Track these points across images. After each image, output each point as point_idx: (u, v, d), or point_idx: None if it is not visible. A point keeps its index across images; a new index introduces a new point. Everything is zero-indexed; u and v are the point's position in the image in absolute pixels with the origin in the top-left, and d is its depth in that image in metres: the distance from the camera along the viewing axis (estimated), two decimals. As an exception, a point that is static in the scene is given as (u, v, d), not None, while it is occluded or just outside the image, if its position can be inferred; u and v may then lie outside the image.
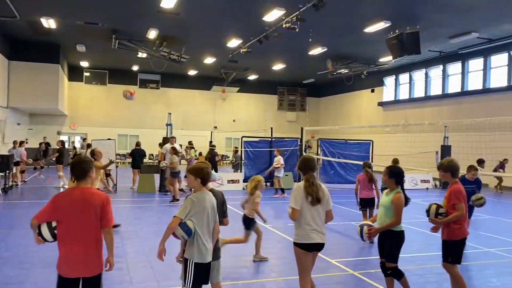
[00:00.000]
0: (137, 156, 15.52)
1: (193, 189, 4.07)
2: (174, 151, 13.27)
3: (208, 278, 3.98)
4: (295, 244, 4.27)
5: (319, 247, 4.28)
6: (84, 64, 26.97)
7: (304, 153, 14.21)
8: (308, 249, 4.24)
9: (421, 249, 7.65)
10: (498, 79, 19.30)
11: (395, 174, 4.87)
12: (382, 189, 6.53)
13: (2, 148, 17.95)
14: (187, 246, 3.87)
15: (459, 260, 4.77)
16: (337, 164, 16.57)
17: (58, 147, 16.05)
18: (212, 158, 18.36)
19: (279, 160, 14.39)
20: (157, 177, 14.88)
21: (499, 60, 19.28)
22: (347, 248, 4.96)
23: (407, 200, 4.87)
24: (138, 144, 16.07)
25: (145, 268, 6.15)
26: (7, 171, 13.81)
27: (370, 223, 5.01)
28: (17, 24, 17.30)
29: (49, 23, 16.98)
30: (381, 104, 26.72)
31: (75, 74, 28.05)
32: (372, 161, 17.09)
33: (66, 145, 22.90)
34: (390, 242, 4.79)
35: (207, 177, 4.02)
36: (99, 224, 3.47)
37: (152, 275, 5.85)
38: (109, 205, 3.54)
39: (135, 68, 27.51)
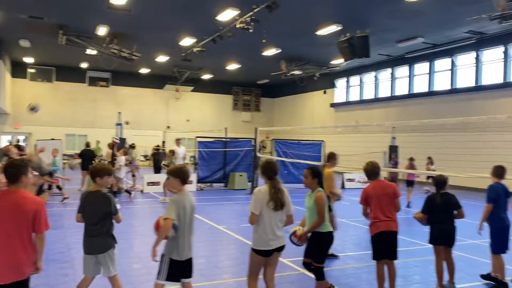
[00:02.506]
0: (86, 157, 14.96)
1: (173, 190, 4.31)
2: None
3: (187, 273, 4.21)
4: (253, 250, 4.26)
5: (279, 249, 4.30)
6: (29, 60, 25.61)
7: (258, 153, 14.27)
8: (266, 255, 4.25)
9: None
10: (442, 83, 20.29)
11: (318, 175, 4.96)
12: None
13: None
14: (167, 243, 4.09)
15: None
16: (290, 164, 16.78)
17: None
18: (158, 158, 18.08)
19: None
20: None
21: (442, 64, 20.28)
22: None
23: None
24: (87, 144, 15.49)
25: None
26: None
27: (300, 227, 5.02)
28: (-47, 15, 16.16)
29: (-11, 16, 16.00)
30: (333, 105, 27.36)
31: (18, 70, 26.58)
32: (323, 161, 17.45)
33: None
34: (316, 242, 4.87)
35: (187, 178, 4.19)
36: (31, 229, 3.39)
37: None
38: (43, 211, 3.44)
39: (84, 65, 26.46)
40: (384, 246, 5.10)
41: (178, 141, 15.01)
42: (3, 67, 21.81)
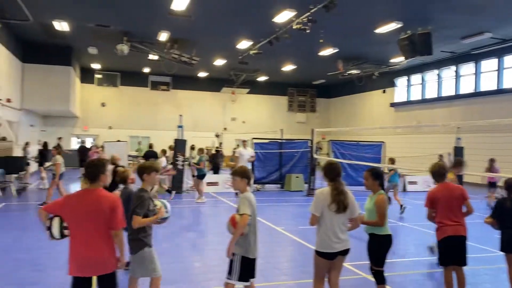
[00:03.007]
0: (150, 158, 15.60)
1: (238, 190, 4.32)
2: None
3: (254, 273, 4.22)
4: (317, 252, 4.24)
5: (344, 252, 4.25)
6: (96, 66, 27.20)
7: (315, 155, 14.14)
8: (330, 258, 4.22)
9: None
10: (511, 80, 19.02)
11: (379, 176, 4.83)
12: None
13: (16, 150, 18.14)
14: (238, 242, 4.09)
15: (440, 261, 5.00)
16: (348, 166, 16.46)
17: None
18: (216, 160, 18.42)
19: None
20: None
21: (513, 60, 19.02)
22: (360, 251, 4.92)
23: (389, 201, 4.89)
24: (150, 146, 16.16)
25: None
26: (20, 172, 14.02)
27: None
28: (30, 27, 17.48)
29: (61, 25, 17.16)
30: (392, 105, 26.52)
31: (87, 76, 28.30)
32: (384, 163, 16.98)
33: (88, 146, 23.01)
34: (375, 246, 4.74)
35: (251, 178, 4.32)
36: (108, 226, 3.56)
37: (165, 276, 5.85)
38: (119, 208, 3.61)
39: (146, 70, 27.67)
40: (451, 251, 4.88)
41: (244, 143, 15.06)
42: (74, 73, 23.29)
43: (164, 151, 14.70)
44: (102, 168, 3.68)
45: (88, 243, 3.48)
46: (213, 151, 21.35)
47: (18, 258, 6.56)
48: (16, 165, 13.63)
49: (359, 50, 20.67)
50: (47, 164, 13.07)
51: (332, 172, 4.31)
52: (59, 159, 11.28)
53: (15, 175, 13.92)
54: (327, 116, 33.84)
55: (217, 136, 25.17)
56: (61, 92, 21.91)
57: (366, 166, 15.48)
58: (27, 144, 16.36)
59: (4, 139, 14.95)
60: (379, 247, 4.75)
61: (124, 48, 15.18)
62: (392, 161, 12.57)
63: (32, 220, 9.65)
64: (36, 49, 21.28)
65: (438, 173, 5.12)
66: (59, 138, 23.14)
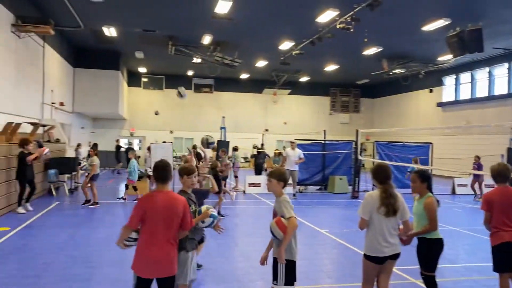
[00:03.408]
0: (194, 158, 15.90)
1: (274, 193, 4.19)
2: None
3: (296, 276, 4.13)
4: (365, 255, 4.17)
5: (394, 256, 4.15)
6: (142, 70, 28.08)
7: (359, 156, 13.88)
8: (379, 262, 4.13)
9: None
10: None
11: (428, 178, 4.65)
12: None
13: (69, 151, 19.04)
14: (285, 244, 3.98)
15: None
16: (394, 168, 16.02)
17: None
18: (258, 161, 18.50)
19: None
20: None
21: None
22: (408, 255, 4.78)
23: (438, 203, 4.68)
24: (194, 147, 16.46)
25: (202, 270, 6.26)
26: (73, 172, 14.68)
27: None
28: (81, 33, 18.32)
29: (110, 31, 17.86)
30: (440, 104, 25.58)
31: (134, 79, 29.27)
32: (431, 165, 16.43)
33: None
34: (425, 250, 4.58)
35: (287, 181, 4.25)
36: (178, 227, 3.67)
37: (210, 277, 5.95)
38: (188, 209, 3.76)
39: (190, 73, 28.24)
40: (508, 258, 4.64)
41: (292, 144, 14.80)
42: (121, 77, 24.15)
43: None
44: (170, 170, 3.79)
45: (161, 245, 3.56)
46: (255, 152, 21.49)
47: (71, 255, 6.86)
48: (69, 165, 14.27)
49: (405, 49, 20.12)
50: (83, 164, 13.61)
51: (381, 175, 4.21)
52: (96, 160, 11.82)
53: (68, 175, 14.57)
54: (371, 117, 33.15)
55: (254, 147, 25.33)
56: (110, 96, 22.79)
57: (412, 168, 15.13)
58: (78, 145, 17.12)
59: (57, 140, 15.71)
60: (430, 251, 4.59)
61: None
62: (416, 161, 12.37)
63: (84, 219, 10.08)
64: (86, 55, 22.27)
65: (502, 173, 4.81)
66: (117, 140, 24.19)
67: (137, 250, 3.61)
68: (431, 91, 26.53)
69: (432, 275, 4.58)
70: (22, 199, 10.35)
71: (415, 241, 4.64)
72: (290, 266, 4.01)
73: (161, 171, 3.72)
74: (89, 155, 12.44)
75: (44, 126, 14.42)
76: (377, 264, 4.12)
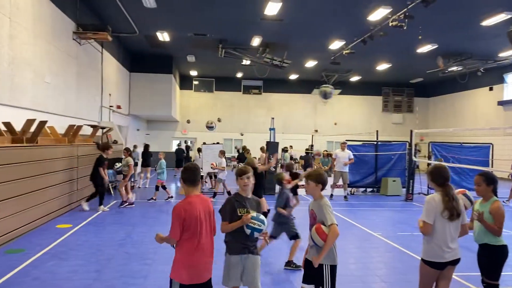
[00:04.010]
0: (243, 159, 16.09)
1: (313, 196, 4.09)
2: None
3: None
4: (424, 261, 4.01)
5: (454, 262, 3.99)
6: (193, 73, 28.76)
7: (413, 158, 13.41)
8: (439, 268, 3.97)
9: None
10: None
11: (493, 181, 4.39)
12: None
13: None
14: (325, 252, 3.88)
15: None
16: (451, 170, 15.33)
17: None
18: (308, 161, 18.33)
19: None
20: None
21: None
22: (469, 262, 4.55)
23: None
24: (244, 148, 16.64)
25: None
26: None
27: None
28: (136, 39, 19.07)
29: (163, 36, 18.44)
30: (501, 103, 24.19)
31: (185, 82, 30.05)
32: (492, 166, 15.58)
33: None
34: (488, 257, 4.34)
35: (326, 183, 4.10)
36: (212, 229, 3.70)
37: (263, 279, 5.97)
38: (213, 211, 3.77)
39: (239, 75, 28.57)
40: None
41: (342, 145, 14.66)
42: (174, 80, 24.86)
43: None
44: (199, 172, 3.79)
45: (205, 248, 3.57)
46: (304, 153, 21.35)
47: (129, 252, 7.15)
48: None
49: (462, 45, 19.21)
50: (118, 165, 14.02)
51: (441, 177, 4.04)
52: (130, 160, 12.33)
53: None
54: (426, 117, 31.94)
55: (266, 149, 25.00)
56: (163, 98, 23.54)
57: (470, 169, 14.44)
58: (135, 146, 17.78)
59: (115, 142, 16.42)
60: (493, 259, 4.36)
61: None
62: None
63: (140, 217, 10.46)
64: (141, 59, 23.15)
65: None
66: (186, 141, 24.96)
67: (180, 259, 3.54)
68: (491, 89, 25.12)
69: (496, 283, 4.34)
70: (101, 198, 11.12)
71: (475, 246, 4.42)
72: (334, 271, 3.92)
73: (191, 174, 3.63)
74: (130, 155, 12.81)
75: (103, 128, 15.12)
76: (437, 270, 3.96)
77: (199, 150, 16.33)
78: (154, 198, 13.07)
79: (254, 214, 4.02)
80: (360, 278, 6.08)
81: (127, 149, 13.07)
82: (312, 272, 3.93)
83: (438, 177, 4.04)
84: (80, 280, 5.70)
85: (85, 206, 10.90)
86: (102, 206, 11.06)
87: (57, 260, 6.63)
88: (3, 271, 5.96)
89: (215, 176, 13.55)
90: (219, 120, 26.54)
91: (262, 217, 4.05)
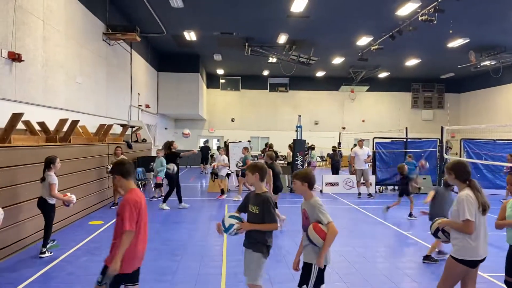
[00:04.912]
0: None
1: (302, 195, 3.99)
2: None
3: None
4: (457, 259, 3.89)
5: (484, 259, 3.92)
6: (220, 71, 28.95)
7: (444, 155, 13.10)
8: (473, 266, 3.88)
9: None
10: None
11: None
12: None
13: (154, 150, 20.17)
14: (313, 251, 3.86)
15: None
16: (483, 167, 14.91)
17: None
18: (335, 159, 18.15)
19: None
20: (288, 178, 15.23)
21: None
22: (500, 261, 4.43)
23: None
24: (270, 146, 16.63)
25: (283, 269, 6.32)
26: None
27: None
28: (164, 39, 19.35)
29: (190, 35, 18.64)
30: (537, 98, 23.31)
31: (212, 81, 30.29)
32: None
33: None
34: None
35: (314, 183, 3.96)
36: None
37: (290, 275, 5.98)
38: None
39: (265, 73, 28.56)
40: None
41: (360, 142, 14.74)
42: (201, 79, 25.10)
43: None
44: (132, 166, 4.05)
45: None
46: (331, 151, 21.14)
47: (158, 249, 7.28)
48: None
49: (495, 39, 18.58)
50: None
51: (466, 172, 3.97)
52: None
53: (153, 173, 15.46)
54: (457, 113, 31.09)
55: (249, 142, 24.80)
56: (190, 97, 23.80)
57: (504, 167, 13.96)
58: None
59: (144, 141, 16.73)
60: None
61: None
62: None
63: (169, 214, 10.62)
64: (169, 59, 23.46)
65: None
66: (207, 141, 25.32)
67: (129, 250, 3.72)
68: (526, 83, 24.23)
69: None
70: (168, 197, 11.47)
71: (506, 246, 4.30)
72: (322, 269, 3.85)
73: (130, 167, 3.89)
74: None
75: (132, 127, 15.44)
76: (469, 269, 3.87)
77: (219, 148, 16.43)
78: (156, 196, 13.06)
79: (231, 213, 4.25)
80: (390, 277, 6.00)
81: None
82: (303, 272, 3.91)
83: (465, 173, 3.96)
84: (111, 275, 5.85)
85: (165, 206, 11.26)
86: (164, 204, 11.33)
87: (90, 255, 6.82)
88: (40, 266, 6.18)
89: (243, 175, 13.34)
90: (232, 120, 26.29)
91: (232, 217, 4.18)
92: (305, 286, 3.84)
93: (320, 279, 3.85)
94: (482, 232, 3.84)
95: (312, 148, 17.98)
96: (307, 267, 3.87)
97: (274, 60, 21.69)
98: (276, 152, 16.56)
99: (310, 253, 3.87)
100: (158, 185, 12.99)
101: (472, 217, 3.79)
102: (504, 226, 4.39)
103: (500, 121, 25.71)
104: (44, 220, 6.71)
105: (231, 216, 4.19)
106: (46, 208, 6.66)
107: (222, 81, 30.67)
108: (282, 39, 18.52)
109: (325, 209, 3.83)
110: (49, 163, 6.73)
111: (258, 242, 4.10)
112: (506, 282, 4.40)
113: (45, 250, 6.70)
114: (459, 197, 3.90)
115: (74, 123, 9.42)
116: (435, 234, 4.36)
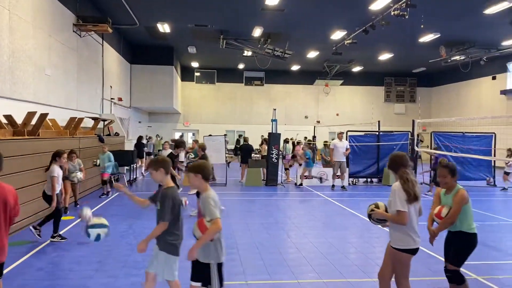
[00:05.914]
0: (245, 151, 16.08)
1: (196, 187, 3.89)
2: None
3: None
4: (402, 250, 3.99)
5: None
6: (195, 64, 28.68)
7: (416, 148, 13.37)
8: (415, 253, 4.05)
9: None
10: None
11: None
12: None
13: (127, 144, 19.86)
14: (208, 249, 3.66)
15: None
16: (453, 159, 15.30)
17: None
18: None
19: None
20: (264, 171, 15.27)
21: None
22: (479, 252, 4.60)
23: None
24: (246, 140, 16.63)
25: (256, 261, 6.34)
26: (132, 165, 15.33)
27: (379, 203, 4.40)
28: (137, 30, 19.00)
29: (164, 27, 18.37)
30: (504, 92, 24.05)
31: (186, 74, 29.99)
32: (494, 155, 15.55)
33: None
34: (457, 244, 4.42)
35: (208, 175, 3.83)
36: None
37: (264, 267, 6.00)
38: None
39: (241, 66, 28.47)
40: None
41: (340, 135, 14.71)
42: (175, 72, 24.81)
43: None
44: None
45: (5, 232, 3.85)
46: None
47: (131, 243, 7.18)
48: (127, 158, 14.89)
49: (465, 34, 19.08)
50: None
51: (395, 164, 4.13)
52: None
53: (126, 167, 15.23)
54: (428, 106, 31.82)
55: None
56: (165, 90, 23.51)
57: (473, 159, 14.42)
58: (150, 138, 17.78)
59: (117, 134, 16.44)
60: (464, 245, 4.49)
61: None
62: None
63: (141, 209, 10.46)
64: (142, 51, 23.09)
65: None
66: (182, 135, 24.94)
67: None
68: (494, 78, 24.98)
69: (458, 269, 4.46)
70: None
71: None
72: (221, 268, 3.74)
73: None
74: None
75: (104, 121, 15.13)
76: (412, 255, 4.07)
77: (197, 142, 16.33)
78: (105, 193, 12.26)
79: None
80: (362, 267, 6.09)
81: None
82: (198, 271, 3.74)
83: (394, 165, 4.12)
84: (83, 271, 5.74)
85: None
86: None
87: (60, 251, 6.68)
88: (6, 263, 6.00)
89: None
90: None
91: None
92: (209, 286, 3.69)
93: (221, 277, 3.73)
94: (415, 221, 3.98)
95: (286, 141, 18.05)
96: (206, 268, 3.69)
97: (250, 53, 21.64)
98: (251, 146, 16.61)
99: (207, 250, 3.69)
100: (104, 182, 12.12)
101: (403, 208, 3.89)
102: (443, 229, 4.52)
103: (469, 114, 26.47)
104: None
105: (94, 226, 4.24)
106: (47, 200, 7.33)
107: (197, 74, 30.42)
108: (257, 32, 18.48)
109: (216, 204, 3.64)
110: (54, 156, 7.31)
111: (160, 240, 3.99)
112: (449, 270, 4.51)
113: (54, 240, 7.18)
114: (392, 188, 4.03)
115: (43, 116, 9.16)
116: (369, 217, 4.41)
